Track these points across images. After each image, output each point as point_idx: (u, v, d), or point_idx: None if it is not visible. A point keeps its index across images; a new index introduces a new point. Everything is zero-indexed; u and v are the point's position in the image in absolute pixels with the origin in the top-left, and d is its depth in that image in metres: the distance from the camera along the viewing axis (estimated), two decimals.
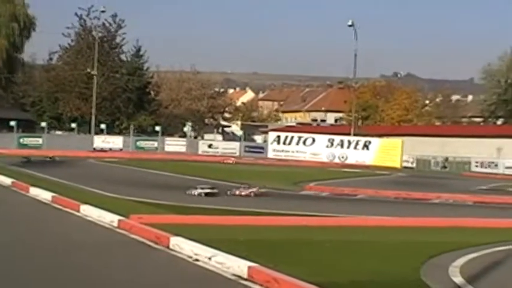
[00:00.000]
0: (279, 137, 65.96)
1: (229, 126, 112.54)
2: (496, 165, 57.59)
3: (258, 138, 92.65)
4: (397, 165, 57.81)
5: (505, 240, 16.23)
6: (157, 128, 71.71)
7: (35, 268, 11.64)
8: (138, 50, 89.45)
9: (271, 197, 26.41)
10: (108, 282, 10.99)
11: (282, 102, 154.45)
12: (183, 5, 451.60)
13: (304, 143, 63.34)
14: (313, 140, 63.35)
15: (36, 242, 14.42)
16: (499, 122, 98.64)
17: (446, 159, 63.32)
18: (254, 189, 26.41)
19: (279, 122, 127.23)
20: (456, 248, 14.62)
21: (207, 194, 25.07)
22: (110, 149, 64.85)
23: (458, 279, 11.72)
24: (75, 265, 12.18)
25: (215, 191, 25.67)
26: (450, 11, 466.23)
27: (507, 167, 56.20)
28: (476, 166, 59.16)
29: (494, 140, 69.78)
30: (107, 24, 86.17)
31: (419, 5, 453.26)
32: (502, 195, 33.40)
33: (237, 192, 26.09)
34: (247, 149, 69.23)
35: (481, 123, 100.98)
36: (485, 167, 58.23)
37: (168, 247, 13.56)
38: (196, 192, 25.29)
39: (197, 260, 12.44)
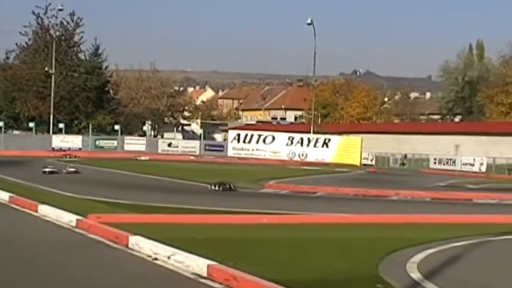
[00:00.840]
0: (238, 135, 65.93)
1: (189, 125, 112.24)
2: (454, 162, 58.11)
3: (218, 137, 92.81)
4: (357, 162, 58.17)
5: (462, 236, 16.40)
6: (117, 127, 71.51)
7: None
8: (97, 48, 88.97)
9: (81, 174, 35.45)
10: (65, 281, 10.91)
11: (241, 101, 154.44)
12: (141, 3, 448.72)
13: (264, 141, 63.44)
14: (273, 138, 63.48)
15: None
16: (457, 119, 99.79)
17: (405, 156, 63.91)
18: (69, 169, 36.14)
19: (239, 121, 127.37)
20: (414, 244, 14.73)
21: (50, 172, 34.78)
22: (69, 149, 64.37)
23: (415, 275, 11.80)
24: (31, 264, 12.09)
25: (56, 169, 35.21)
26: (409, 8, 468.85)
27: (464, 164, 56.73)
28: (435, 163, 59.74)
29: (452, 137, 70.52)
30: (65, 23, 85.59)
31: (377, 2, 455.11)
32: (459, 191, 33.74)
33: (64, 171, 35.53)
34: (207, 147, 69.32)
35: (439, 121, 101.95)
36: (443, 164, 58.79)
37: (127, 246, 13.51)
38: (46, 170, 35.11)
39: (156, 259, 12.41)
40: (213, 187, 28.59)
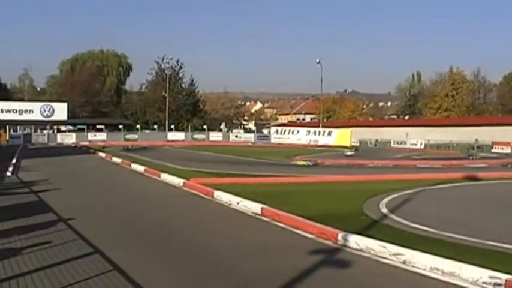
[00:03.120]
0: (277, 130, 65.90)
1: (247, 125, 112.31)
2: (405, 143, 57.97)
3: (265, 131, 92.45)
4: (348, 144, 57.54)
5: (412, 187, 16.29)
6: (205, 127, 71.94)
7: (133, 206, 11.76)
8: (192, 80, 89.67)
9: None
10: (174, 216, 11.07)
11: (278, 109, 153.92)
12: (215, 48, 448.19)
13: (292, 133, 63.17)
14: (298, 131, 63.17)
15: (135, 193, 14.54)
16: (407, 117, 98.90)
17: (377, 140, 63.29)
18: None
19: (277, 121, 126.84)
20: (383, 192, 14.64)
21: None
22: (177, 140, 64.85)
23: (385, 210, 11.77)
24: (156, 205, 12.32)
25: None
26: (378, 49, 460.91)
27: (411, 144, 56.83)
28: (394, 144, 59.16)
29: (404, 128, 70.15)
30: (173, 66, 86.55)
31: (360, 45, 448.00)
32: (409, 160, 33.36)
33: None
34: (258, 137, 69.13)
35: (396, 119, 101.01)
36: (399, 144, 58.36)
37: (212, 197, 13.64)
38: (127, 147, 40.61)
39: (230, 204, 12.52)
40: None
